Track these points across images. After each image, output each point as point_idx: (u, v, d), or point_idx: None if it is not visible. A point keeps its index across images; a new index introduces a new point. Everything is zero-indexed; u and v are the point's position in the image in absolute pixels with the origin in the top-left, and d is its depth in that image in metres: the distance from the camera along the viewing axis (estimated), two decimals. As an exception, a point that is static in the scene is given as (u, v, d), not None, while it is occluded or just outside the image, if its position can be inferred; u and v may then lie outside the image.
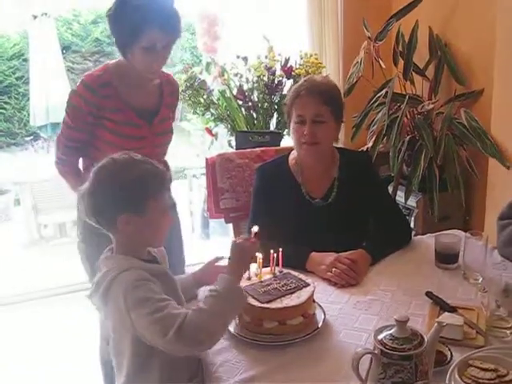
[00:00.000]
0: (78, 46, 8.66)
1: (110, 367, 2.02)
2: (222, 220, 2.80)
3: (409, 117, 3.61)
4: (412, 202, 3.54)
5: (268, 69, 3.40)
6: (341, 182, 2.36)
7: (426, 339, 1.37)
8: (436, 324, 1.43)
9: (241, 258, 1.69)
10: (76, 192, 2.48)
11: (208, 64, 3.52)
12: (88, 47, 8.73)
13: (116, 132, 2.31)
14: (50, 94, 6.34)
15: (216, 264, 1.97)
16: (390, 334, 1.37)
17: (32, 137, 8.24)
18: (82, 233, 2.45)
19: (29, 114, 7.38)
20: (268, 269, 1.88)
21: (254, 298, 1.72)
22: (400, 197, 3.46)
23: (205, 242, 5.44)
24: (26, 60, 8.22)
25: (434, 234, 2.34)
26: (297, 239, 2.16)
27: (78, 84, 2.30)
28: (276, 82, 3.44)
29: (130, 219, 1.62)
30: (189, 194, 5.66)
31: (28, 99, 7.72)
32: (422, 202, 3.53)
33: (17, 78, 8.46)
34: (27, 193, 5.57)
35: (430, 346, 1.38)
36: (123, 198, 1.60)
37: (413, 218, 3.57)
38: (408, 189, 3.41)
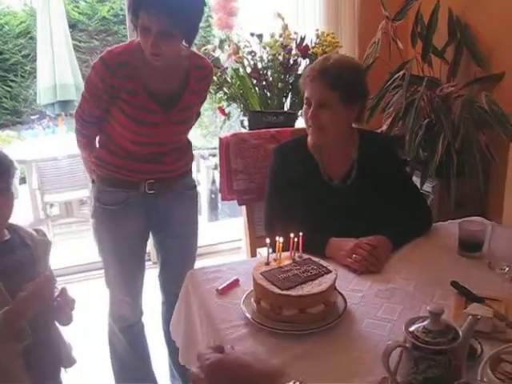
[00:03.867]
0: (84, 24, 8.57)
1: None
2: (232, 202, 2.75)
3: (426, 100, 3.52)
4: (428, 187, 3.46)
5: (284, 47, 3.31)
6: (361, 164, 2.29)
7: (460, 333, 1.29)
8: (470, 317, 1.35)
9: None
10: (88, 169, 2.48)
11: (221, 41, 3.43)
12: (95, 26, 8.63)
13: (128, 115, 2.23)
14: (57, 73, 6.28)
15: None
16: (423, 327, 1.29)
17: (38, 115, 8.16)
18: (92, 208, 2.43)
19: (35, 93, 7.33)
20: (287, 254, 1.80)
21: (273, 284, 1.65)
22: (416, 182, 3.37)
23: (213, 224, 5.37)
24: (32, 38, 8.14)
25: (455, 221, 2.27)
26: (315, 221, 2.09)
27: (97, 59, 2.23)
28: (291, 61, 3.35)
29: None
30: (196, 175, 5.60)
31: (34, 77, 7.65)
32: (439, 187, 3.45)
33: (23, 56, 8.37)
34: (33, 172, 5.50)
35: (464, 340, 1.30)
36: None
37: (428, 204, 3.49)
38: (424, 174, 3.33)
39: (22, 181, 6.51)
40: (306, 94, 2.22)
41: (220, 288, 1.86)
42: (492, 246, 2.01)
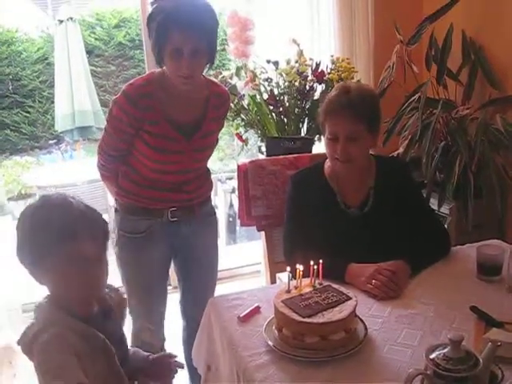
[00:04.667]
0: (101, 49, 8.66)
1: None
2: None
3: (442, 122, 3.54)
4: (445, 209, 3.47)
5: (300, 74, 3.34)
6: (377, 191, 2.31)
7: (480, 360, 1.31)
8: (490, 344, 1.36)
9: None
10: (113, 197, 2.51)
11: (238, 68, 3.47)
12: (111, 51, 8.73)
13: (151, 145, 2.26)
14: (75, 99, 6.35)
15: (168, 360, 1.85)
16: (444, 354, 1.31)
17: (56, 140, 8.25)
18: (116, 236, 2.44)
19: (53, 118, 7.41)
20: (307, 281, 1.83)
21: (294, 312, 1.68)
22: (433, 204, 3.38)
23: (231, 247, 5.39)
24: (49, 64, 8.25)
25: (474, 245, 2.28)
26: (333, 249, 2.09)
27: (119, 94, 2.27)
28: (308, 87, 3.38)
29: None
30: (214, 199, 5.61)
31: (52, 103, 7.74)
32: (456, 209, 3.45)
33: (41, 82, 8.47)
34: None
35: (485, 366, 1.32)
36: None
37: (446, 226, 3.49)
38: (441, 196, 3.33)
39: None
40: (330, 128, 2.20)
41: (242, 316, 1.88)
42: (511, 270, 2.01)
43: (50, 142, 8.39)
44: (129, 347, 1.80)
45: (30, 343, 1.49)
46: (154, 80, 2.28)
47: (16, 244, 1.52)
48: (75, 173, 5.71)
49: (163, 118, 2.25)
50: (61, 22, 6.41)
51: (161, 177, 2.33)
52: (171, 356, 1.85)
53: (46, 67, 8.44)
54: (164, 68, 2.25)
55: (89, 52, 7.80)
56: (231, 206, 5.58)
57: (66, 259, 1.48)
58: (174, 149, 2.28)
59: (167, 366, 1.82)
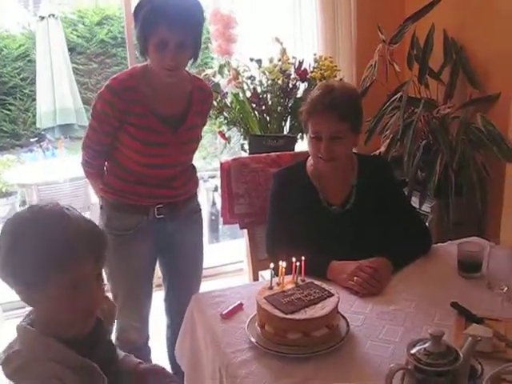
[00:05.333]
0: (83, 47, 8.63)
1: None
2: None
3: (423, 121, 3.57)
4: (426, 207, 3.50)
5: (283, 72, 3.36)
6: (359, 189, 2.33)
7: (460, 354, 1.33)
8: (470, 338, 1.38)
9: None
10: (97, 194, 2.49)
11: (221, 66, 3.47)
12: (93, 48, 8.70)
13: (137, 138, 2.27)
14: (57, 97, 6.32)
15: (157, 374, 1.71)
16: (424, 349, 1.33)
17: (37, 138, 8.20)
18: None
19: (34, 115, 7.37)
20: (290, 277, 1.84)
21: (277, 308, 1.69)
22: (414, 202, 3.41)
23: (214, 245, 5.39)
24: (31, 61, 8.20)
25: (454, 242, 2.31)
26: (315, 246, 2.11)
27: (102, 88, 2.27)
28: (290, 85, 3.39)
29: None
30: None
31: (33, 100, 7.70)
32: (437, 207, 3.49)
33: (22, 79, 8.42)
34: (34, 195, 5.52)
35: (465, 361, 1.34)
36: None
37: (427, 223, 3.52)
38: (423, 194, 3.36)
39: (23, 204, 6.54)
40: (313, 128, 2.21)
41: (224, 312, 1.88)
42: (490, 267, 2.05)
43: (32, 139, 8.33)
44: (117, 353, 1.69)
45: (14, 372, 1.34)
46: (137, 74, 2.29)
47: None
48: (57, 171, 5.67)
49: (149, 111, 2.26)
50: (42, 18, 6.37)
51: (148, 171, 2.33)
52: (166, 376, 1.72)
53: (28, 64, 8.38)
54: (147, 62, 2.26)
55: (71, 49, 7.75)
56: (214, 204, 5.59)
57: (68, 285, 1.33)
58: (159, 141, 2.29)
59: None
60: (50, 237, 1.31)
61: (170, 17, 2.09)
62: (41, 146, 7.93)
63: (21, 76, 8.43)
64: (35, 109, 7.02)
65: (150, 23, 2.12)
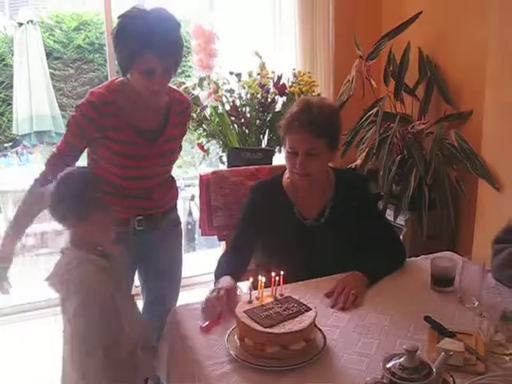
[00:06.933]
0: (59, 52, 8.56)
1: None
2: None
3: (399, 136, 3.64)
4: (401, 220, 3.57)
5: (262, 86, 3.40)
6: (335, 203, 2.36)
7: (434, 369, 1.38)
8: (442, 353, 1.43)
9: None
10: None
11: (201, 79, 3.50)
12: (70, 54, 8.64)
13: (115, 151, 2.27)
14: (33, 103, 6.27)
15: None
16: (400, 364, 1.38)
17: (11, 143, 8.12)
18: None
19: (9, 120, 7.28)
20: (269, 292, 1.88)
21: (256, 322, 1.72)
22: (389, 215, 3.48)
23: (190, 255, 5.39)
24: (6, 65, 8.11)
25: (428, 256, 2.36)
26: (289, 259, 2.11)
27: (82, 101, 2.27)
28: (269, 99, 3.44)
29: None
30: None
31: (8, 105, 7.61)
32: (411, 220, 3.56)
33: (-4, 84, 8.34)
34: (9, 202, 5.48)
35: (438, 375, 1.39)
36: None
37: (401, 237, 3.59)
38: (397, 208, 3.43)
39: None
40: (290, 143, 2.23)
41: (204, 325, 1.91)
42: (463, 282, 2.09)
43: (6, 144, 8.25)
44: None
45: (62, 275, 1.90)
46: (115, 89, 2.29)
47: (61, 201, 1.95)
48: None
49: (126, 124, 2.27)
50: (20, 24, 6.33)
51: (126, 183, 2.34)
52: None
53: (3, 68, 8.29)
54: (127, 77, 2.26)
55: (47, 54, 7.68)
56: (190, 213, 5.59)
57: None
58: (138, 154, 2.30)
59: None
60: None
61: (157, 46, 2.09)
62: (16, 152, 7.86)
63: (-4, 80, 8.35)
64: (10, 113, 6.95)
65: (136, 52, 2.11)
